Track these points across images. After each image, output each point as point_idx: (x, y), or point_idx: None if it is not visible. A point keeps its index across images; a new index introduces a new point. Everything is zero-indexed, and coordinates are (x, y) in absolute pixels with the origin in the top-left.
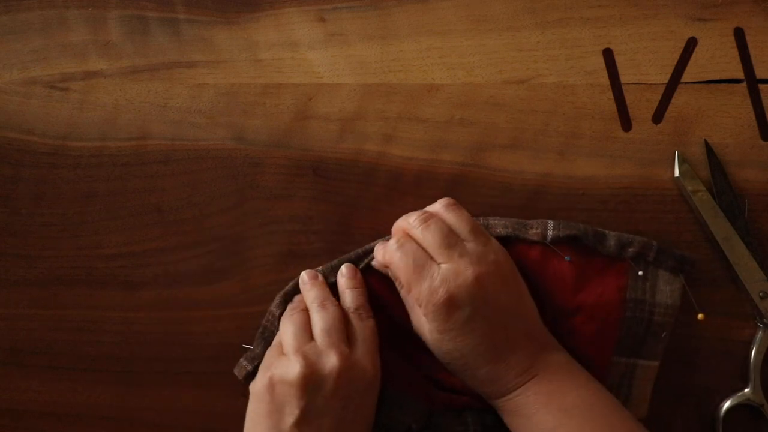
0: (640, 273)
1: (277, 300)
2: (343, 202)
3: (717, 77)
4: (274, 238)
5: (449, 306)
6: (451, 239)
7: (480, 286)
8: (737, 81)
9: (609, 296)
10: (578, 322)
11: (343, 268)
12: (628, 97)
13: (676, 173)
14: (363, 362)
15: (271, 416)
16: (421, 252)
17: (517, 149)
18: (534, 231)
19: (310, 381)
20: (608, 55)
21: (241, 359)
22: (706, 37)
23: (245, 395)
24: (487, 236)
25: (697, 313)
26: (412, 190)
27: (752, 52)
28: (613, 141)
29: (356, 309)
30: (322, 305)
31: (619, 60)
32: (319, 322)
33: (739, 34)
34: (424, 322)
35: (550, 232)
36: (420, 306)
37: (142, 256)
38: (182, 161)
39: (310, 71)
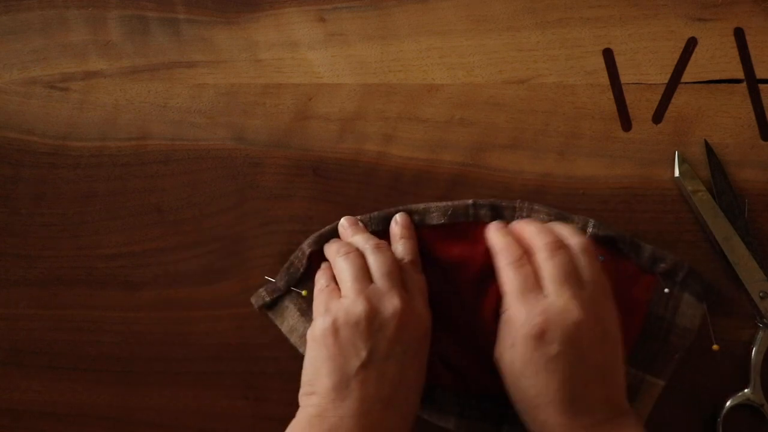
0: (666, 290)
1: (310, 239)
2: (343, 202)
3: (717, 77)
4: (274, 238)
5: (540, 337)
6: (571, 279)
7: (578, 333)
8: (737, 81)
9: (633, 305)
10: None
11: (399, 217)
12: (628, 97)
13: (676, 173)
14: (419, 309)
15: (335, 360)
16: (534, 277)
17: (517, 149)
18: (575, 225)
19: (375, 322)
20: (608, 55)
21: (261, 289)
22: (706, 37)
23: (246, 396)
24: (608, 293)
25: (713, 344)
26: (412, 190)
27: (752, 52)
28: (613, 141)
29: (410, 261)
30: (378, 248)
31: (619, 60)
32: (378, 265)
33: (739, 34)
34: (508, 347)
35: (590, 229)
36: (511, 327)
37: (142, 256)
38: (182, 161)
39: (310, 71)
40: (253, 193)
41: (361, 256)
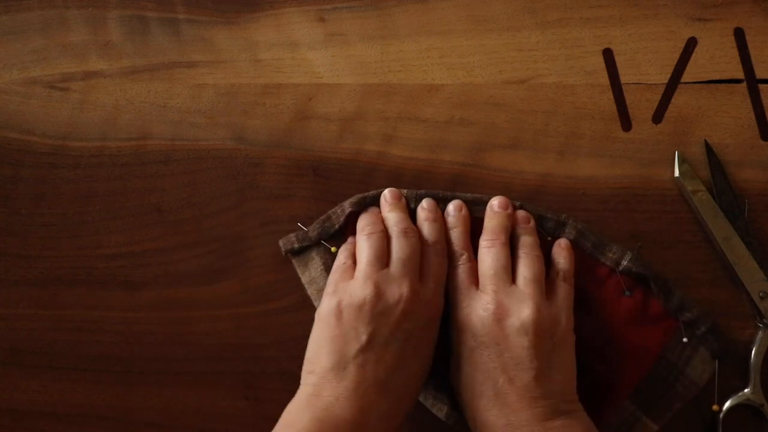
0: (685, 340)
1: (353, 198)
2: (343, 202)
3: (717, 77)
4: (274, 238)
5: (501, 317)
6: (542, 278)
7: (539, 321)
8: (737, 81)
9: (648, 344)
10: (611, 350)
11: (425, 203)
12: (628, 97)
13: (676, 173)
14: (429, 297)
15: (336, 341)
16: (509, 265)
17: (517, 149)
18: (611, 255)
19: (378, 308)
20: (608, 55)
21: (291, 234)
22: (706, 37)
23: (246, 396)
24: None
25: (712, 404)
26: None
27: (752, 52)
28: (613, 141)
29: (434, 243)
30: (405, 232)
31: (619, 60)
32: (398, 250)
33: (739, 34)
34: (473, 318)
35: (624, 262)
36: (473, 300)
37: (142, 256)
38: (182, 161)
39: (310, 71)
40: (253, 193)
41: (384, 238)
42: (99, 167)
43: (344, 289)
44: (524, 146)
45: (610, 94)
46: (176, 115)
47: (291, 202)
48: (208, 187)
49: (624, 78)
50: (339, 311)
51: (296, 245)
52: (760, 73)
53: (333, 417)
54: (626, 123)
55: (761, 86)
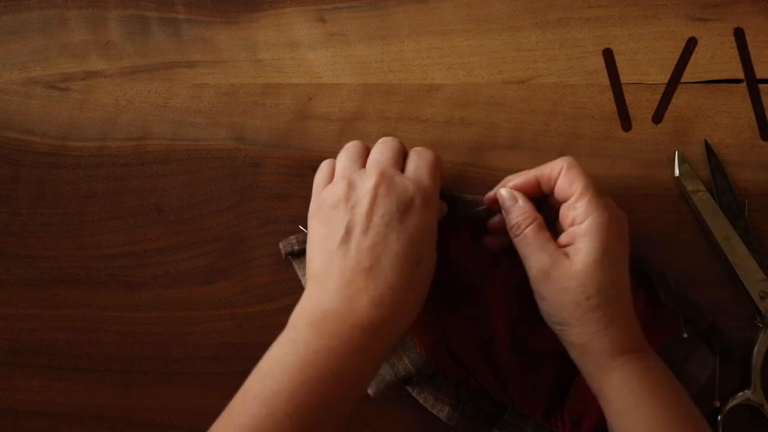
0: (685, 335)
1: None
2: None
3: (717, 77)
4: (274, 238)
5: (622, 225)
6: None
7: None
8: (737, 81)
9: (651, 343)
10: None
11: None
12: (628, 97)
13: (676, 173)
14: (404, 182)
15: (321, 240)
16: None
17: (517, 149)
18: None
19: (349, 199)
20: (608, 55)
21: (292, 237)
22: (706, 37)
23: None
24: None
25: (715, 399)
26: None
27: (752, 52)
28: (613, 141)
29: (418, 148)
30: (383, 140)
31: (619, 60)
32: (374, 153)
33: (739, 34)
34: (579, 245)
35: None
36: (588, 215)
37: (142, 256)
38: (182, 161)
39: (310, 71)
40: (253, 193)
41: (361, 146)
42: (99, 167)
43: (323, 195)
44: (524, 146)
45: (610, 94)
46: (176, 115)
47: (291, 202)
48: (208, 187)
49: (624, 78)
50: (318, 210)
51: (296, 247)
52: (760, 73)
53: (322, 311)
54: (626, 123)
55: (761, 86)
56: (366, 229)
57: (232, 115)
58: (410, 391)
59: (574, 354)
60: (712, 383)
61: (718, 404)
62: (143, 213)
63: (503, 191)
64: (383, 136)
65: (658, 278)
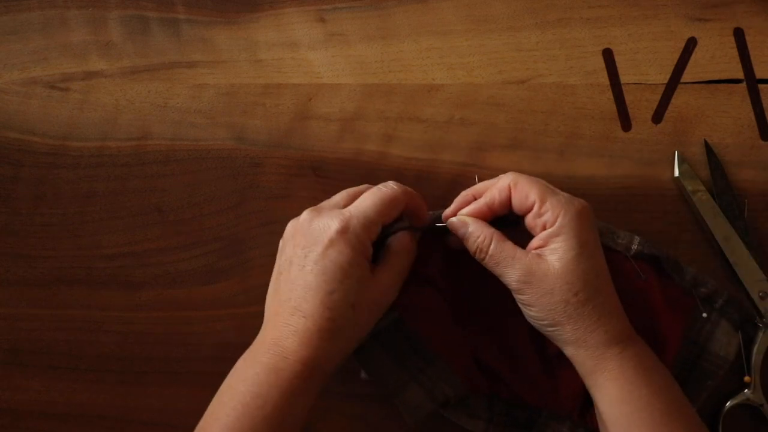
0: (704, 315)
1: None
2: None
3: (717, 77)
4: (274, 238)
5: (589, 214)
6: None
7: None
8: (737, 81)
9: (671, 326)
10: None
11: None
12: (628, 97)
13: (676, 173)
14: (330, 222)
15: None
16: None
17: (517, 149)
18: (620, 241)
19: (288, 237)
20: (608, 55)
21: None
22: (706, 37)
23: None
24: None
25: (745, 374)
26: None
27: (752, 52)
28: (613, 141)
29: (383, 183)
30: (377, 187)
31: (619, 60)
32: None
33: (739, 34)
34: (555, 244)
35: (634, 246)
36: (557, 216)
37: (142, 256)
38: (182, 161)
39: (310, 71)
40: (253, 193)
41: (346, 192)
42: (99, 167)
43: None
44: (524, 146)
45: (610, 94)
46: (176, 115)
47: (291, 202)
48: (208, 187)
49: (624, 78)
50: (283, 241)
51: None
52: (759, 73)
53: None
54: (626, 123)
55: (761, 86)
56: (291, 262)
57: (232, 115)
58: (442, 412)
59: (569, 351)
60: (739, 359)
61: (748, 379)
62: (143, 213)
63: (453, 219)
64: (383, 136)
65: (668, 260)
